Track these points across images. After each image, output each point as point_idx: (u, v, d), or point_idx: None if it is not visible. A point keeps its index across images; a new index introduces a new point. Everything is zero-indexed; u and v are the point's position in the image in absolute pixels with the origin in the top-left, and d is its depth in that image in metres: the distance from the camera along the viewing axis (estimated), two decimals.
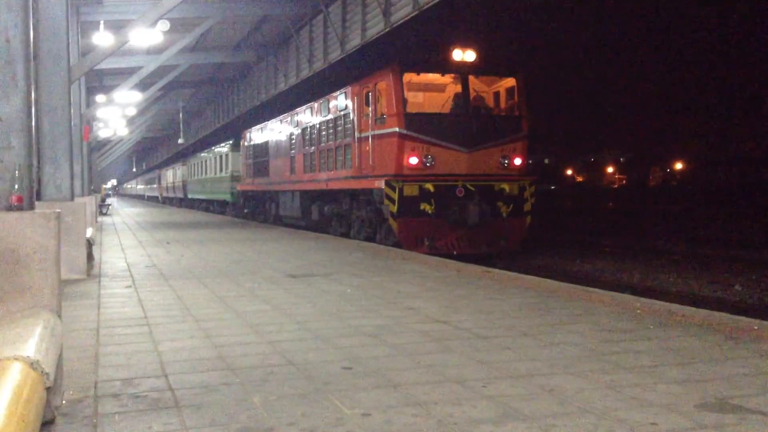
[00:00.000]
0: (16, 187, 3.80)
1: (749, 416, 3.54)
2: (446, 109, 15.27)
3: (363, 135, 15.56)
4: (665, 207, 40.18)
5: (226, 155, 33.86)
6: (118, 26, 16.54)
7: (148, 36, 14.98)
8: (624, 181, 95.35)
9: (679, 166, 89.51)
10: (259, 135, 26.59)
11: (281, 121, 23.37)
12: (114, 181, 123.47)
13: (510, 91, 15.45)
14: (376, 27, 16.87)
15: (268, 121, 25.48)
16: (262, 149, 25.85)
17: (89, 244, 10.24)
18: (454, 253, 13.80)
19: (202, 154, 40.91)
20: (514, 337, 5.37)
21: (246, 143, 28.78)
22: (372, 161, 15.04)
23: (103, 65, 21.64)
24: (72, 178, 9.75)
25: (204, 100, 39.92)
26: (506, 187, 14.43)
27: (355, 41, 18.29)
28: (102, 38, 16.08)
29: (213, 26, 20.60)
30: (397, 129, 14.19)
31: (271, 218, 25.15)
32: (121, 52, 18.58)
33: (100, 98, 24.01)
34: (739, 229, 23.52)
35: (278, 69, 25.59)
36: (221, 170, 35.02)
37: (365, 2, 17.43)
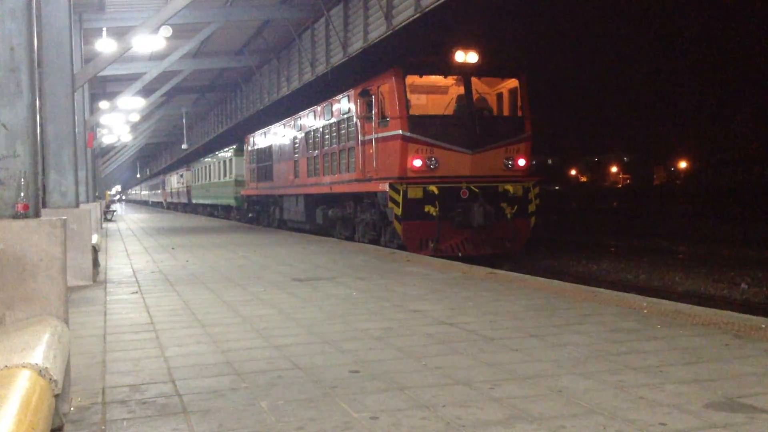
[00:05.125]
0: (22, 194, 3.81)
1: (758, 415, 3.52)
2: (449, 111, 15.27)
3: (366, 138, 15.56)
4: (670, 206, 40.09)
5: (230, 160, 33.91)
6: (120, 33, 16.57)
7: (150, 42, 15.04)
8: (628, 181, 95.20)
9: (683, 165, 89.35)
10: (262, 139, 26.62)
11: (284, 125, 23.39)
12: (118, 187, 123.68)
13: (513, 92, 15.44)
14: (379, 30, 16.87)
15: (271, 125, 25.51)
16: (266, 153, 25.87)
17: (95, 250, 10.26)
18: (459, 255, 13.79)
19: (206, 159, 40.97)
20: (520, 339, 5.36)
21: (249, 148, 28.82)
22: (376, 164, 15.03)
23: (107, 72, 21.69)
24: (77, 185, 9.77)
25: (207, 105, 39.97)
26: (510, 188, 14.42)
27: (357, 44, 18.29)
28: (105, 45, 16.13)
29: (215, 31, 20.61)
30: (400, 131, 14.19)
31: (276, 222, 25.16)
32: (124, 58, 18.64)
33: (103, 105, 24.07)
34: (745, 227, 23.46)
35: (281, 73, 25.62)
36: (225, 175, 35.06)
37: (367, 5, 17.43)
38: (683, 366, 4.48)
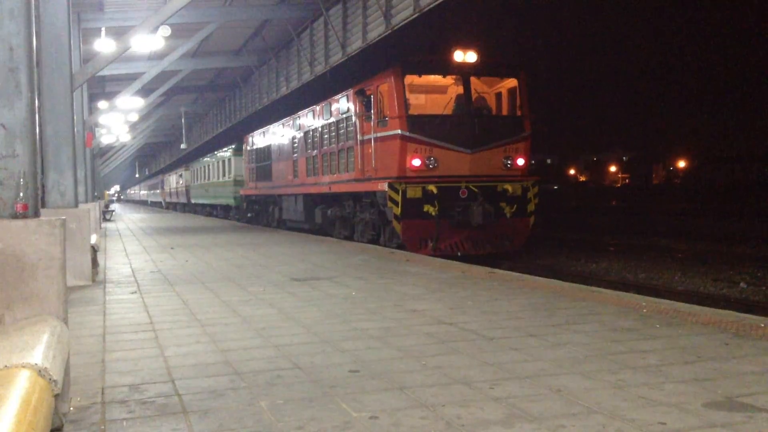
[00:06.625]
0: (21, 194, 3.81)
1: (758, 414, 3.53)
2: (448, 111, 15.27)
3: (365, 137, 15.56)
4: (669, 205, 40.09)
5: (229, 160, 33.90)
6: (119, 32, 16.56)
7: (149, 42, 15.01)
8: (627, 180, 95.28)
9: (681, 164, 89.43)
10: (261, 139, 26.62)
11: (283, 124, 23.39)
12: (117, 187, 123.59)
13: (512, 91, 15.44)
14: (377, 29, 16.85)
15: (270, 125, 25.51)
16: (265, 153, 25.87)
17: (94, 250, 10.25)
18: (458, 254, 13.79)
19: (205, 159, 40.94)
20: (520, 338, 5.37)
21: (248, 147, 28.81)
22: (375, 164, 15.04)
23: (105, 72, 21.68)
24: (76, 184, 9.76)
25: (206, 105, 39.94)
26: (509, 187, 14.42)
27: (356, 44, 18.27)
28: (103, 45, 16.10)
29: (214, 31, 20.58)
30: (399, 131, 14.19)
31: (275, 222, 25.16)
32: (122, 58, 18.59)
33: (102, 104, 24.04)
34: (743, 226, 23.47)
35: (280, 73, 25.59)
36: (224, 175, 35.04)
37: (366, 5, 17.42)
38: (682, 365, 4.48)
